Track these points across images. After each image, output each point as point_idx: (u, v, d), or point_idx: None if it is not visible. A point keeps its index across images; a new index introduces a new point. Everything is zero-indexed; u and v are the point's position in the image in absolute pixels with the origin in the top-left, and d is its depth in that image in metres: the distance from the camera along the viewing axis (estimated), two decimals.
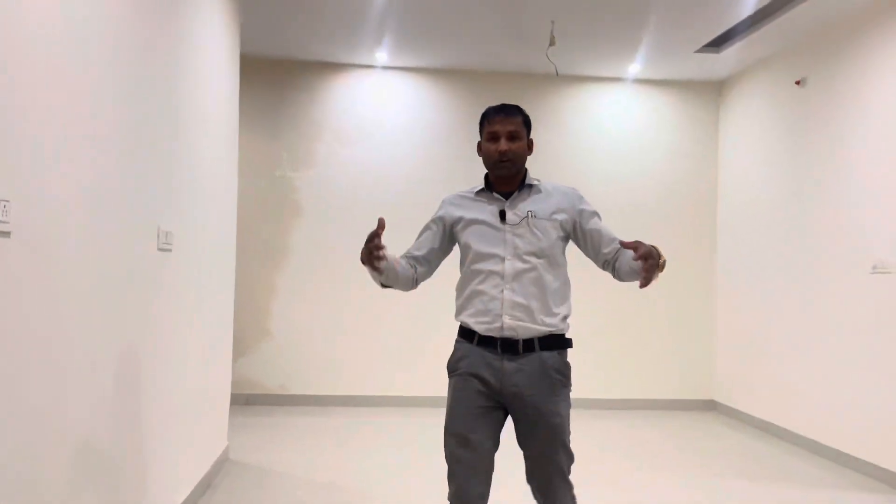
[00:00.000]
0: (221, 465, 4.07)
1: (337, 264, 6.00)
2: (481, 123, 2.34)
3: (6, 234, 1.63)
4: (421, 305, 6.05)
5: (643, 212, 6.19)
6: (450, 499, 2.22)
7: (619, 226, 6.22)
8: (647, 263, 1.99)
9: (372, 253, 2.12)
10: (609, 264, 2.31)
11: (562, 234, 2.29)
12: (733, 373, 5.97)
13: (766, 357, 5.46)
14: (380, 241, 2.13)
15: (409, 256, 2.39)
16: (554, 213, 2.28)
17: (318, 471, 4.10)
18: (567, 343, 2.27)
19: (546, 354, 2.22)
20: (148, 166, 2.62)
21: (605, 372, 6.11)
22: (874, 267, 4.29)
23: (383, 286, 2.36)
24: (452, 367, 2.33)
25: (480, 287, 2.25)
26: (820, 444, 4.74)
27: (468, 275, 2.30)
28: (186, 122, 3.12)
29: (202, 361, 3.56)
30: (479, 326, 2.24)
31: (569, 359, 2.28)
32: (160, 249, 2.74)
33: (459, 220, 2.33)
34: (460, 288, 2.34)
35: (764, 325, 5.51)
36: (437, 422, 5.49)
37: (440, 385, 6.31)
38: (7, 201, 1.62)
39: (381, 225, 2.14)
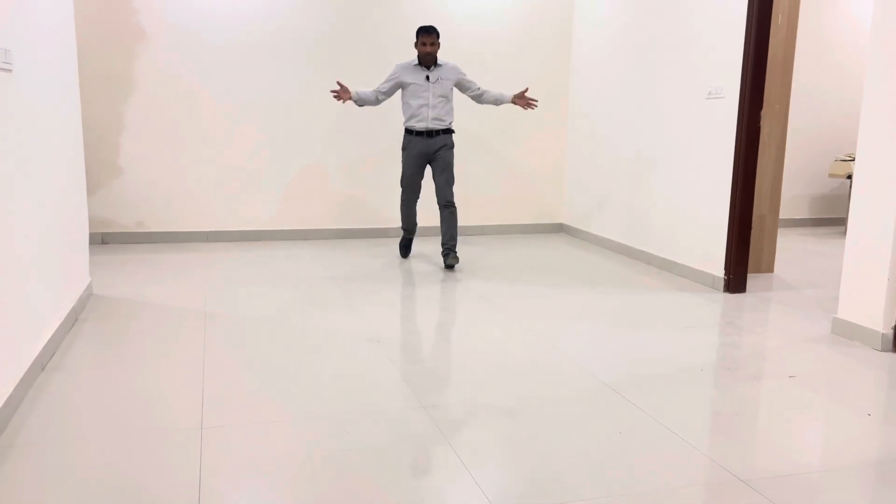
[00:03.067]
0: (86, 301, 4.01)
1: (187, 94, 5.70)
2: (417, 35, 4.94)
3: None
4: (276, 138, 5.95)
5: (499, 44, 6.27)
6: (403, 201, 5.25)
7: (479, 59, 6.41)
8: (525, 100, 5.12)
9: (341, 99, 4.98)
10: (475, 98, 5.19)
11: (452, 85, 5.04)
12: (580, 198, 6.44)
13: (611, 181, 5.92)
14: (343, 93, 4.96)
15: (378, 91, 5.04)
16: (449, 77, 5.01)
17: (188, 301, 4.13)
18: (453, 132, 5.11)
19: (445, 136, 5.06)
20: None
21: (465, 203, 6.43)
22: (709, 93, 4.67)
23: (359, 105, 5.10)
24: (404, 147, 5.11)
25: (416, 112, 4.99)
26: (653, 255, 5.33)
27: (409, 104, 5.00)
28: None
29: (56, 194, 3.39)
30: (417, 126, 5.00)
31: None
32: (0, 69, 2.52)
33: (405, 80, 4.99)
34: (405, 110, 5.05)
35: (610, 152, 5.92)
36: (301, 253, 5.62)
37: (302, 219, 6.39)
38: None
39: (343, 89, 4.95)
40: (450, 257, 5.05)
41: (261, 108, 5.87)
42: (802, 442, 2.58)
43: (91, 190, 5.36)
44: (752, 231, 4.70)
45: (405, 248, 5.45)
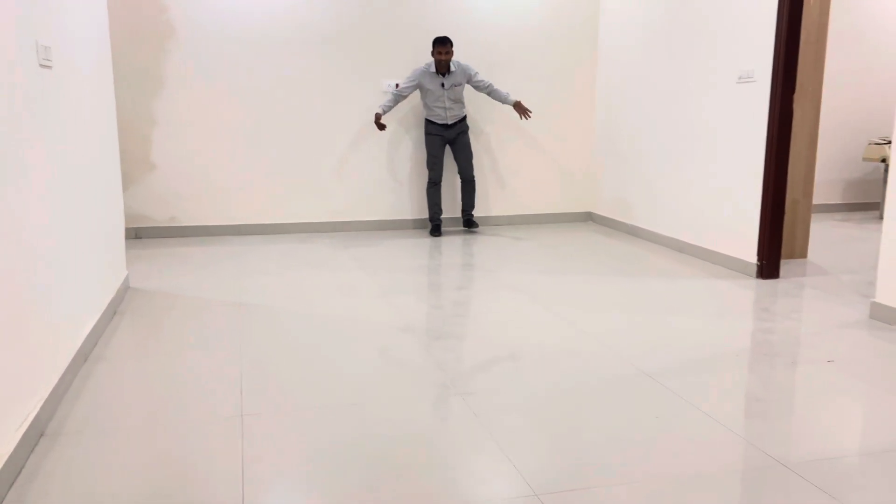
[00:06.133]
0: (124, 293, 4.08)
1: (214, 90, 5.75)
2: (433, 45, 5.66)
3: None
4: (302, 132, 5.99)
5: (528, 34, 6.24)
6: (430, 182, 5.95)
7: (506, 51, 6.43)
8: (522, 111, 5.87)
9: (382, 128, 5.81)
10: (487, 93, 5.90)
11: (463, 86, 5.81)
12: (609, 186, 6.40)
13: (640, 168, 5.88)
14: (379, 125, 5.76)
15: (398, 93, 5.75)
16: (460, 81, 5.78)
17: (223, 293, 4.19)
18: (466, 118, 5.96)
19: (461, 124, 5.92)
20: None
21: (496, 192, 6.43)
22: (740, 77, 4.61)
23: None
24: (426, 132, 5.90)
25: (435, 110, 5.81)
26: (684, 242, 5.29)
27: (428, 105, 5.81)
28: None
29: (94, 189, 3.46)
30: (436, 121, 5.83)
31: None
32: (41, 66, 2.57)
33: (423, 85, 5.74)
34: (425, 108, 5.86)
35: (638, 139, 5.88)
36: (330, 245, 5.64)
37: (330, 212, 6.41)
38: None
39: (380, 126, 5.75)
40: (471, 221, 6.11)
41: (287, 103, 5.90)
42: (842, 426, 2.55)
43: (124, 185, 5.44)
44: (786, 216, 4.65)
45: (436, 230, 6.04)
